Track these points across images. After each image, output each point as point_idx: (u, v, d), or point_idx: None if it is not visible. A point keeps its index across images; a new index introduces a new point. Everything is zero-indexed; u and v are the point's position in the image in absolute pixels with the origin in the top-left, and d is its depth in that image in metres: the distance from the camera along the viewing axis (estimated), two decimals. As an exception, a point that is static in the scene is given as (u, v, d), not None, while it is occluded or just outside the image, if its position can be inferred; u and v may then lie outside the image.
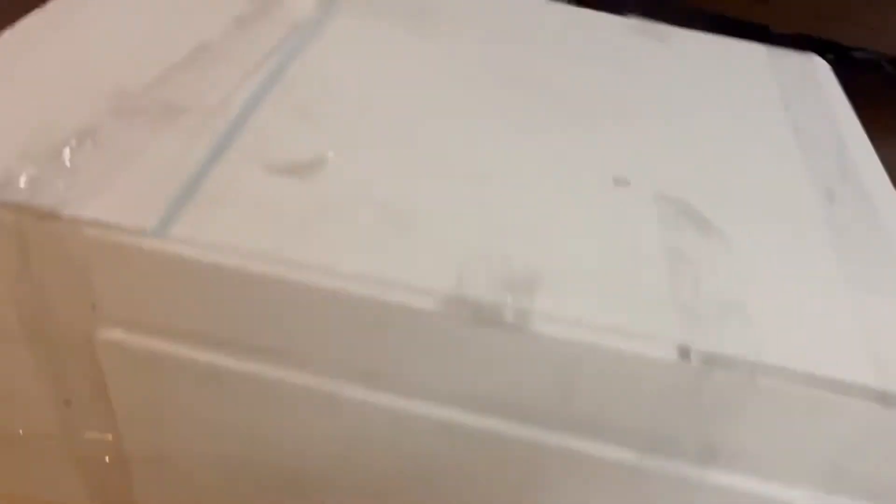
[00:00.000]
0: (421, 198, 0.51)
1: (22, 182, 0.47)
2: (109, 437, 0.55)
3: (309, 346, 0.48)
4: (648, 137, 0.62)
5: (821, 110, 0.71)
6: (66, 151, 0.49)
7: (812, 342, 0.46)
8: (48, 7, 0.64)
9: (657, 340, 0.44)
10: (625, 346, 0.44)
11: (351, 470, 0.54)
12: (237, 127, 0.53)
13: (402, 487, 0.54)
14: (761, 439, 0.47)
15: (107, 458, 0.58)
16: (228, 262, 0.45)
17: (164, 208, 0.46)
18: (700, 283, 0.48)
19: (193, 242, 0.45)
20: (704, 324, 0.46)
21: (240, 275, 0.45)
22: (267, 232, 0.46)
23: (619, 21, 0.81)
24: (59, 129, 0.51)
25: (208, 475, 0.58)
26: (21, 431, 0.57)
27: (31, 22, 0.62)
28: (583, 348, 0.44)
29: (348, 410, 0.50)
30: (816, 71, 0.79)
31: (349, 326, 0.46)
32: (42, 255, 0.47)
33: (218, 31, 0.63)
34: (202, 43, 0.61)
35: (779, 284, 0.49)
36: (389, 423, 0.50)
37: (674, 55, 0.76)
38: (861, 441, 0.45)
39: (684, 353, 0.44)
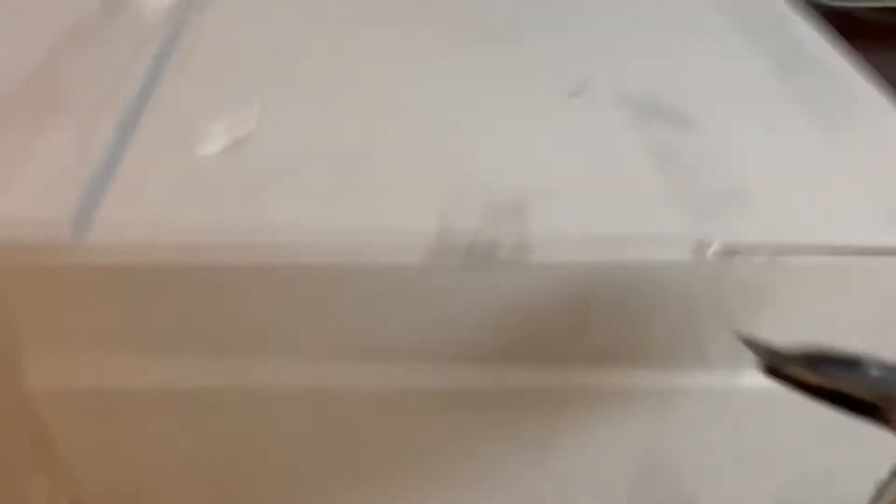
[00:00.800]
0: (372, 142, 0.44)
1: None
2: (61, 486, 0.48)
3: (281, 335, 0.41)
4: (589, 44, 0.58)
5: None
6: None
7: (824, 213, 0.43)
8: None
9: (668, 242, 0.40)
10: (637, 254, 0.39)
11: (350, 459, 0.48)
12: (140, 107, 0.46)
13: (405, 468, 0.49)
14: (789, 329, 0.43)
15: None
16: (173, 258, 0.38)
17: (76, 210, 0.39)
18: (695, 177, 0.44)
19: (125, 244, 0.38)
20: (710, 216, 0.41)
21: (187, 270, 0.38)
22: (205, 217, 0.39)
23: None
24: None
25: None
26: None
27: None
28: (593, 268, 0.39)
29: (338, 398, 0.44)
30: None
31: (322, 304, 0.40)
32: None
33: (89, 10, 0.55)
34: (75, 25, 0.53)
35: (771, 164, 0.46)
36: (388, 401, 0.44)
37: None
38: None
39: (700, 248, 0.40)
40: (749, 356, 0.44)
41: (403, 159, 0.43)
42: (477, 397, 0.44)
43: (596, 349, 0.43)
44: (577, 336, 0.42)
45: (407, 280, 0.39)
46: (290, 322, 0.40)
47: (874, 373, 0.27)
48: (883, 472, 0.52)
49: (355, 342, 0.41)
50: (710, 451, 0.49)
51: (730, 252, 0.40)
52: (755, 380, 0.45)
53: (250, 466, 0.47)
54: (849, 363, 0.28)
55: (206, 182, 0.41)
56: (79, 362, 0.41)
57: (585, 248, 0.39)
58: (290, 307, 0.40)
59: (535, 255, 0.39)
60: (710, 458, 0.49)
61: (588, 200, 0.42)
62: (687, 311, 0.42)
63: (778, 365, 0.29)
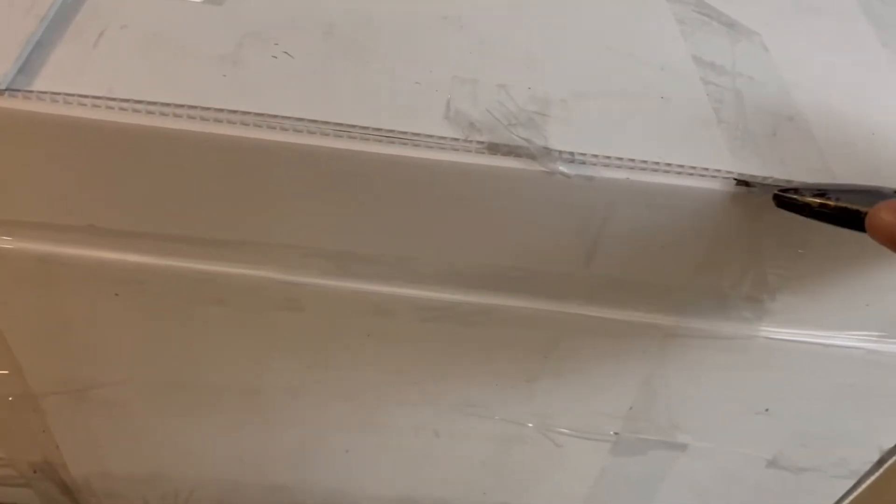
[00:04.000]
0: (381, 17, 0.38)
1: None
2: (5, 371, 0.43)
3: (260, 230, 0.36)
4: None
5: None
6: None
7: (887, 152, 0.37)
8: None
9: (710, 172, 0.34)
10: (666, 178, 0.34)
11: (322, 363, 0.44)
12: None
13: (382, 386, 0.45)
14: (825, 276, 0.39)
15: (10, 398, 0.46)
16: (132, 119, 0.32)
17: (21, 52, 0.33)
18: (744, 98, 0.38)
19: (70, 97, 0.32)
20: (758, 145, 0.36)
21: (149, 135, 0.32)
22: (176, 75, 0.33)
23: None
24: None
25: (139, 404, 0.47)
26: None
27: None
28: (616, 185, 0.34)
29: (318, 302, 0.39)
30: None
31: (299, 191, 0.34)
32: None
33: None
34: None
35: (831, 88, 0.40)
36: (366, 310, 0.39)
37: None
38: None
39: (745, 184, 0.34)
40: (769, 306, 0.40)
41: (418, 40, 0.37)
42: (475, 312, 0.39)
43: (608, 279, 0.38)
44: (584, 264, 0.37)
45: (410, 172, 0.34)
46: (257, 208, 0.35)
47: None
48: (885, 442, 0.49)
49: (332, 241, 0.36)
50: (711, 396, 0.45)
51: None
52: (770, 332, 0.42)
53: (208, 362, 0.43)
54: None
55: (181, 32, 0.35)
56: (20, 224, 0.36)
57: (609, 165, 0.34)
58: (260, 191, 0.34)
59: (553, 163, 0.33)
60: (709, 404, 0.46)
61: (623, 114, 0.36)
62: (714, 248, 0.37)
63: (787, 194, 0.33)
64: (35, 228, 0.36)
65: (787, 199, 0.33)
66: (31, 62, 0.33)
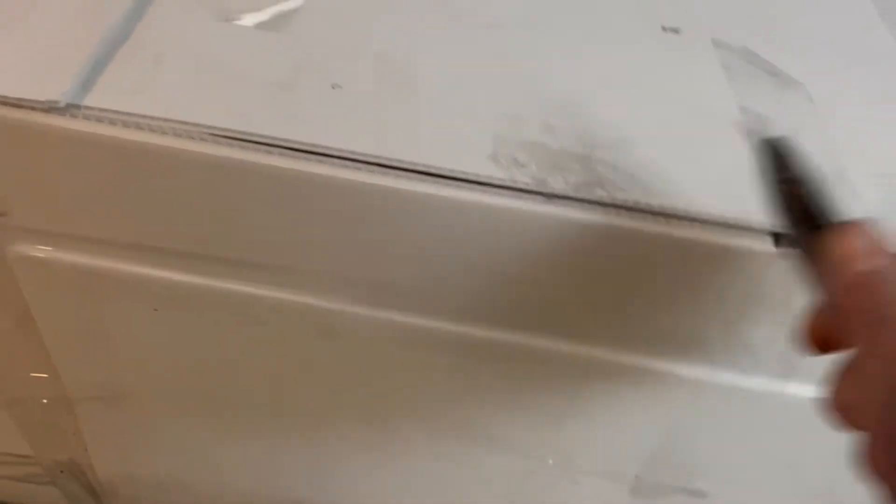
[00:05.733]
0: (430, 52, 0.39)
1: None
2: (45, 375, 0.44)
3: (300, 257, 0.37)
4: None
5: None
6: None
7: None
8: None
9: (747, 225, 0.34)
10: (700, 234, 0.34)
11: (348, 387, 0.44)
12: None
13: (407, 413, 0.45)
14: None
15: (44, 400, 0.47)
16: (181, 145, 0.33)
17: (81, 73, 0.34)
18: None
19: (126, 116, 0.33)
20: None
21: (199, 160, 0.33)
22: (229, 101, 0.34)
23: None
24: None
25: (169, 413, 0.47)
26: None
27: None
28: (653, 238, 0.34)
29: (352, 329, 0.40)
30: None
31: (338, 222, 0.35)
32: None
33: None
34: None
35: (878, 144, 0.40)
36: (399, 341, 0.40)
37: None
38: None
39: (782, 239, 0.34)
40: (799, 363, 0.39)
41: (463, 77, 0.38)
42: (505, 350, 0.40)
43: (642, 328, 0.38)
44: (623, 307, 0.37)
45: (451, 211, 0.34)
46: (303, 238, 0.36)
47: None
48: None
49: (370, 271, 0.37)
50: (736, 448, 0.44)
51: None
52: (798, 389, 0.41)
53: (239, 378, 0.44)
54: None
55: (237, 57, 0.36)
56: (67, 239, 0.37)
57: (645, 216, 0.34)
58: (303, 220, 0.35)
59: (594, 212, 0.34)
60: (733, 455, 0.45)
61: (666, 159, 0.36)
62: (749, 303, 0.36)
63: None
64: (80, 241, 0.37)
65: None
66: (89, 79, 0.34)
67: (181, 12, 0.38)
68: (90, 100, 0.33)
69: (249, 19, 0.39)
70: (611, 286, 0.36)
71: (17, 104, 0.32)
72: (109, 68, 0.34)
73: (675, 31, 0.43)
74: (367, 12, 0.41)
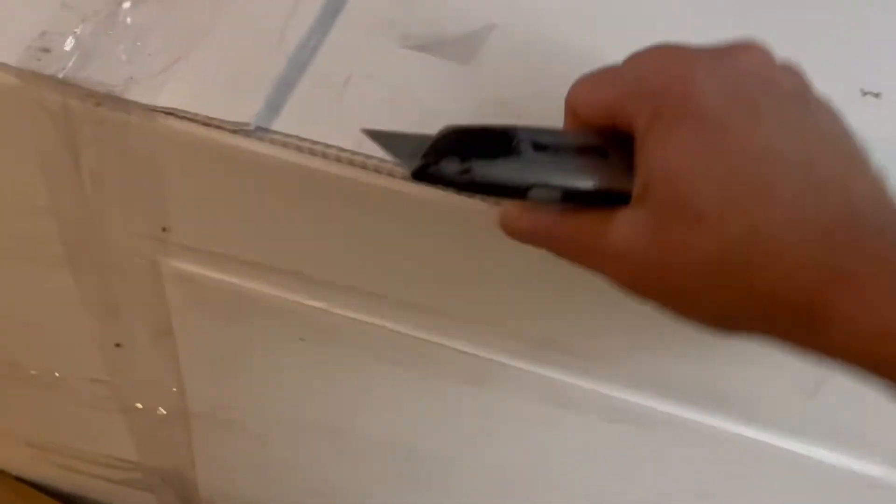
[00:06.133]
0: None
1: (67, 46, 0.33)
2: (173, 388, 0.44)
3: (466, 304, 0.35)
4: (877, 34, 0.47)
5: None
6: (126, 6, 0.35)
7: None
8: None
9: None
10: None
11: (490, 457, 0.42)
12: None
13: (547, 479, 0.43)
14: None
15: (162, 411, 0.46)
16: (365, 178, 0.31)
17: (270, 96, 0.33)
18: None
19: (312, 144, 0.31)
20: None
21: (383, 196, 0.32)
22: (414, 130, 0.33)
23: None
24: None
25: (287, 440, 0.46)
26: (57, 374, 0.46)
27: None
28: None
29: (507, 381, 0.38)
30: None
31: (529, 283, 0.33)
32: (97, 154, 0.33)
33: None
34: None
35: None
36: (557, 404, 0.38)
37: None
38: None
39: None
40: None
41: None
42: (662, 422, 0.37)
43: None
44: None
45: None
46: (485, 289, 0.34)
47: (528, 157, 0.26)
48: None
49: (533, 323, 0.35)
50: None
51: None
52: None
53: (365, 430, 0.43)
54: (501, 144, 0.26)
55: (426, 89, 0.34)
56: (226, 260, 0.36)
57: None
58: (491, 269, 0.33)
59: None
60: None
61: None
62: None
63: (429, 165, 0.25)
64: (236, 263, 0.36)
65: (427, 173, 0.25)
66: (277, 102, 0.33)
67: (364, 35, 0.36)
68: (278, 124, 0.32)
69: (433, 45, 0.37)
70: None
71: (206, 122, 0.31)
72: (296, 92, 0.33)
73: (876, 94, 0.40)
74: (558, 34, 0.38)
